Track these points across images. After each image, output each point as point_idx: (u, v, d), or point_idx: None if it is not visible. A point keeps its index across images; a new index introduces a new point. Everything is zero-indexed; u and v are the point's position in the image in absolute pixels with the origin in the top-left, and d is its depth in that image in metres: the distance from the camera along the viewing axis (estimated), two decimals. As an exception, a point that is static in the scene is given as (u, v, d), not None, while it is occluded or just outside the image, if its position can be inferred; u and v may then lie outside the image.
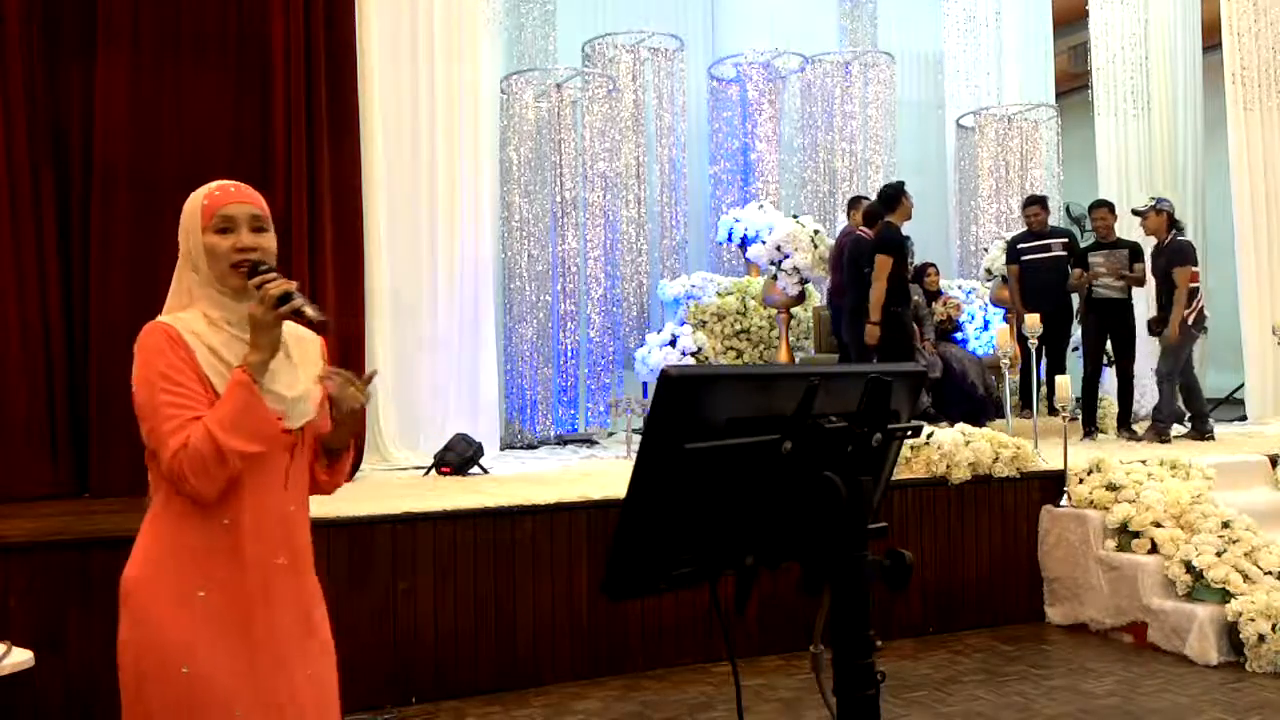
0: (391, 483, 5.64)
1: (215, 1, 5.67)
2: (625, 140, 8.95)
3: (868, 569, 1.32)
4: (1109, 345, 7.51)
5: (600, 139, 8.59)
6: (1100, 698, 4.33)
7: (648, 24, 9.45)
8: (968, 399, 7.25)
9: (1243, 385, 9.27)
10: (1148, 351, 8.01)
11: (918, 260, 7.98)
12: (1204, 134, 9.94)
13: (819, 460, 1.30)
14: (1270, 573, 4.90)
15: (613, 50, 9.10)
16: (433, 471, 5.98)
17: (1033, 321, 6.64)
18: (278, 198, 5.63)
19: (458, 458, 5.93)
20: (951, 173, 10.62)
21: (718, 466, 1.23)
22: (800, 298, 8.26)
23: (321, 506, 4.32)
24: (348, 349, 5.83)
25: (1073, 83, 11.75)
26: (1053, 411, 6.23)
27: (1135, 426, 7.41)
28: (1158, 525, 5.21)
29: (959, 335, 8.29)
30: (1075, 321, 7.84)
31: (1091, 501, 5.47)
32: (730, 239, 8.73)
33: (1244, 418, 9.11)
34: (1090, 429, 7.45)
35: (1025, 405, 7.59)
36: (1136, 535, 5.23)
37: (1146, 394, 8.18)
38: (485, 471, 6.02)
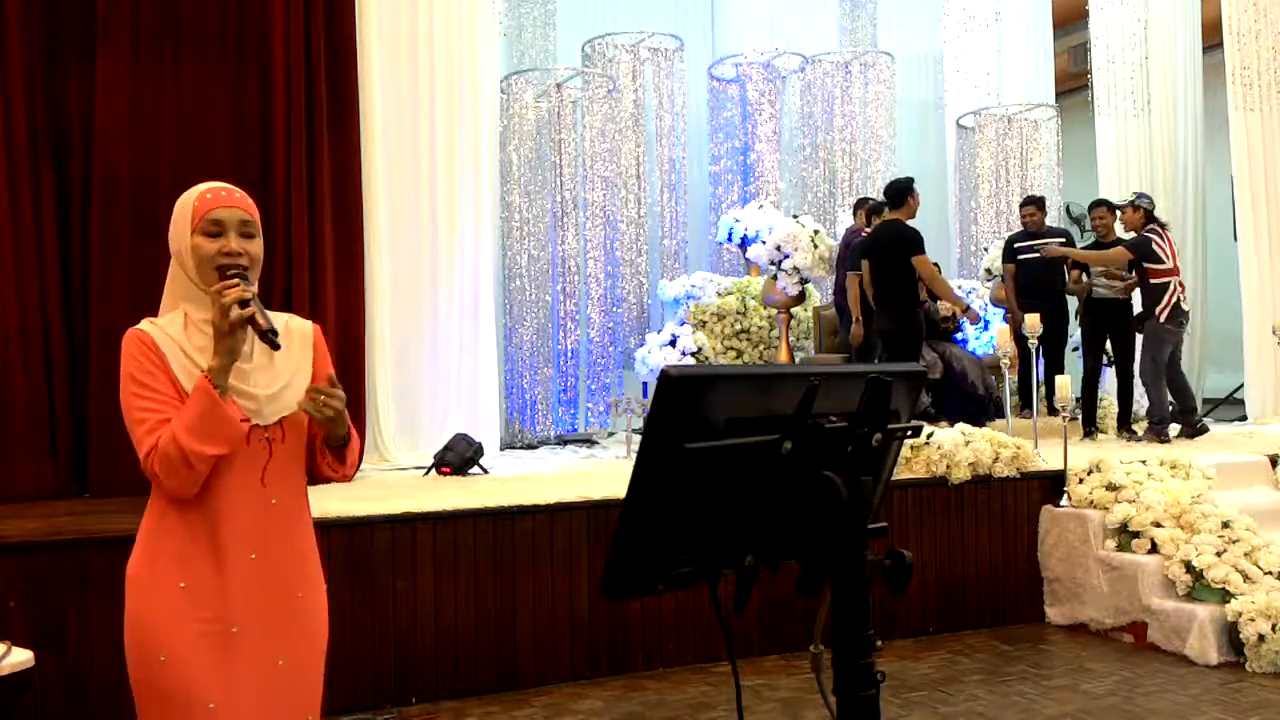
0: (391, 483, 5.64)
1: (215, 2, 5.67)
2: (625, 140, 8.95)
3: (868, 569, 1.32)
4: (1108, 345, 7.51)
5: (600, 139, 8.59)
6: (1100, 698, 4.33)
7: (648, 24, 9.45)
8: (968, 399, 7.25)
9: (1243, 385, 9.27)
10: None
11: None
12: (1204, 134, 9.93)
13: (819, 460, 1.30)
14: (1270, 573, 4.90)
15: (613, 50, 9.10)
16: (433, 471, 5.98)
17: (1032, 322, 6.65)
18: (278, 197, 5.64)
19: (458, 458, 5.93)
20: (951, 173, 10.62)
21: (718, 466, 1.23)
22: (800, 298, 8.26)
23: (322, 506, 4.33)
24: (348, 349, 5.83)
25: (1073, 83, 11.74)
26: (1053, 411, 6.24)
27: (1135, 426, 7.41)
28: (1158, 525, 5.21)
29: (959, 335, 8.29)
30: (1074, 322, 7.84)
31: (1091, 501, 5.47)
32: (730, 239, 8.73)
33: (1244, 418, 9.11)
34: (1090, 429, 7.45)
35: (1025, 405, 7.59)
36: (1136, 535, 5.23)
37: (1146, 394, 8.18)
38: (485, 471, 6.02)
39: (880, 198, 7.51)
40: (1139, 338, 7.44)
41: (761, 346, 8.59)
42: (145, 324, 1.96)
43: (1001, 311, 8.57)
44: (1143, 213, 7.22)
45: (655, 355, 7.95)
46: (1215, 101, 9.79)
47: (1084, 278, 7.59)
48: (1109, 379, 8.03)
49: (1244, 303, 9.08)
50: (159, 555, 1.93)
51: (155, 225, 4.89)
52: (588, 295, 8.53)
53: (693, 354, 7.91)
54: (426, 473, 6.01)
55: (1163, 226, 7.26)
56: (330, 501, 4.43)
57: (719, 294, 8.54)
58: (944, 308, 8.04)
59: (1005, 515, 5.61)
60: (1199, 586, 4.90)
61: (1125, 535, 5.28)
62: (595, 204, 8.57)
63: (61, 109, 5.44)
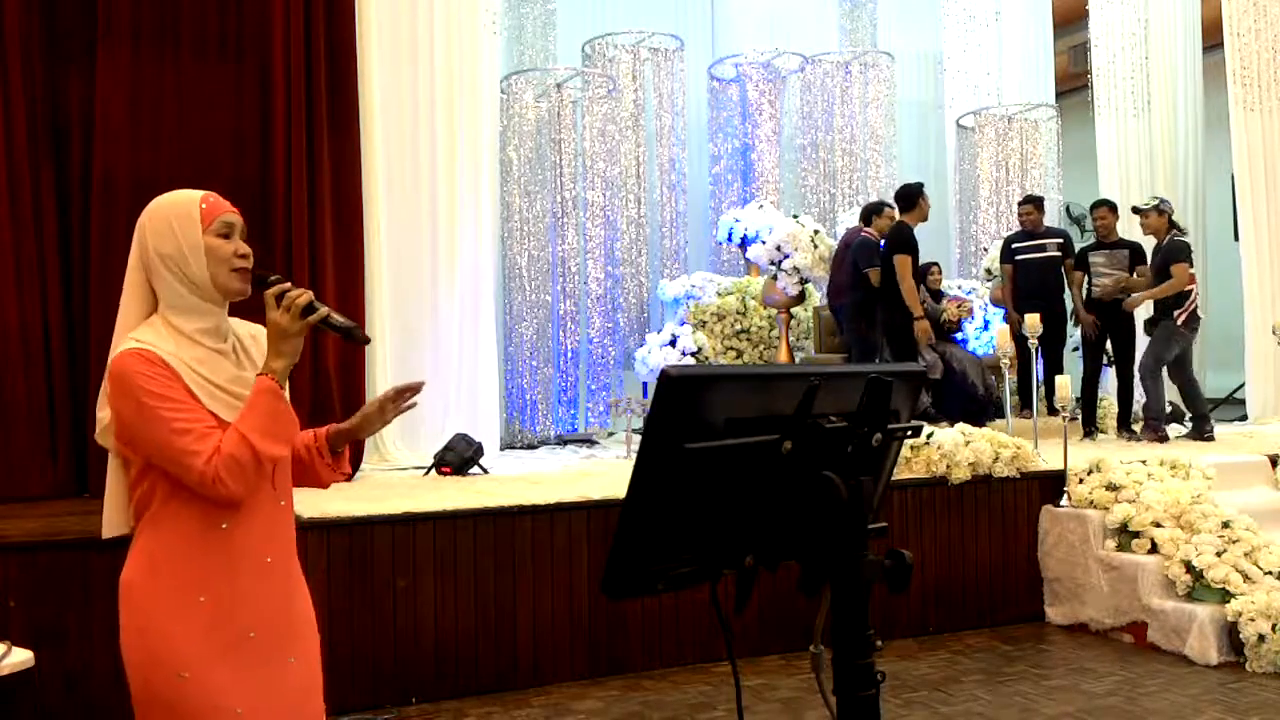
0: (391, 483, 5.64)
1: (215, 2, 5.67)
2: (625, 140, 8.94)
3: (868, 569, 1.32)
4: (1109, 345, 7.51)
5: (600, 139, 8.58)
6: (1100, 698, 4.33)
7: (648, 24, 9.45)
8: (968, 399, 7.25)
9: (1243, 385, 9.27)
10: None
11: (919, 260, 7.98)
12: (1204, 134, 9.93)
13: (819, 460, 1.30)
14: (1270, 573, 4.90)
15: (613, 50, 9.10)
16: (433, 471, 5.98)
17: (1032, 322, 6.65)
18: (278, 198, 5.64)
19: (458, 458, 5.93)
20: (951, 172, 10.61)
21: (717, 466, 1.23)
22: (800, 298, 8.26)
23: (321, 506, 4.34)
24: (347, 349, 5.83)
25: (1073, 83, 11.74)
26: (1053, 411, 6.24)
27: (1135, 426, 7.41)
28: (1158, 525, 5.21)
29: (959, 335, 8.29)
30: (1071, 322, 7.84)
31: (1091, 501, 5.47)
32: (730, 239, 8.73)
33: (1244, 418, 9.11)
34: (1090, 429, 7.45)
35: (1025, 405, 7.59)
36: (1136, 535, 5.23)
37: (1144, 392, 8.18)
38: (485, 471, 6.02)
39: (878, 199, 7.54)
40: (1140, 336, 7.44)
41: (761, 346, 8.59)
42: (134, 343, 1.88)
43: (1001, 311, 8.57)
44: (1167, 218, 7.21)
45: (655, 355, 7.95)
46: (1215, 101, 9.79)
47: (1085, 281, 7.60)
48: (1109, 379, 8.03)
49: (1244, 303, 9.08)
50: (171, 567, 1.88)
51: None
52: (588, 295, 8.53)
53: (693, 354, 7.91)
54: (426, 473, 6.01)
55: (1183, 231, 7.26)
56: (330, 501, 4.43)
57: (719, 294, 8.54)
58: (949, 309, 8.05)
59: (1005, 515, 5.61)
60: (1199, 586, 4.90)
61: (1125, 535, 5.28)
62: (595, 204, 8.56)
63: (61, 108, 5.43)
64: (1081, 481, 5.57)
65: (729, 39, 10.04)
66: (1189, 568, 4.95)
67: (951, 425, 6.05)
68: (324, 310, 1.91)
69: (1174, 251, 7.02)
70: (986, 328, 8.89)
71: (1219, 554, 4.94)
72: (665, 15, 10.02)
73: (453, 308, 6.83)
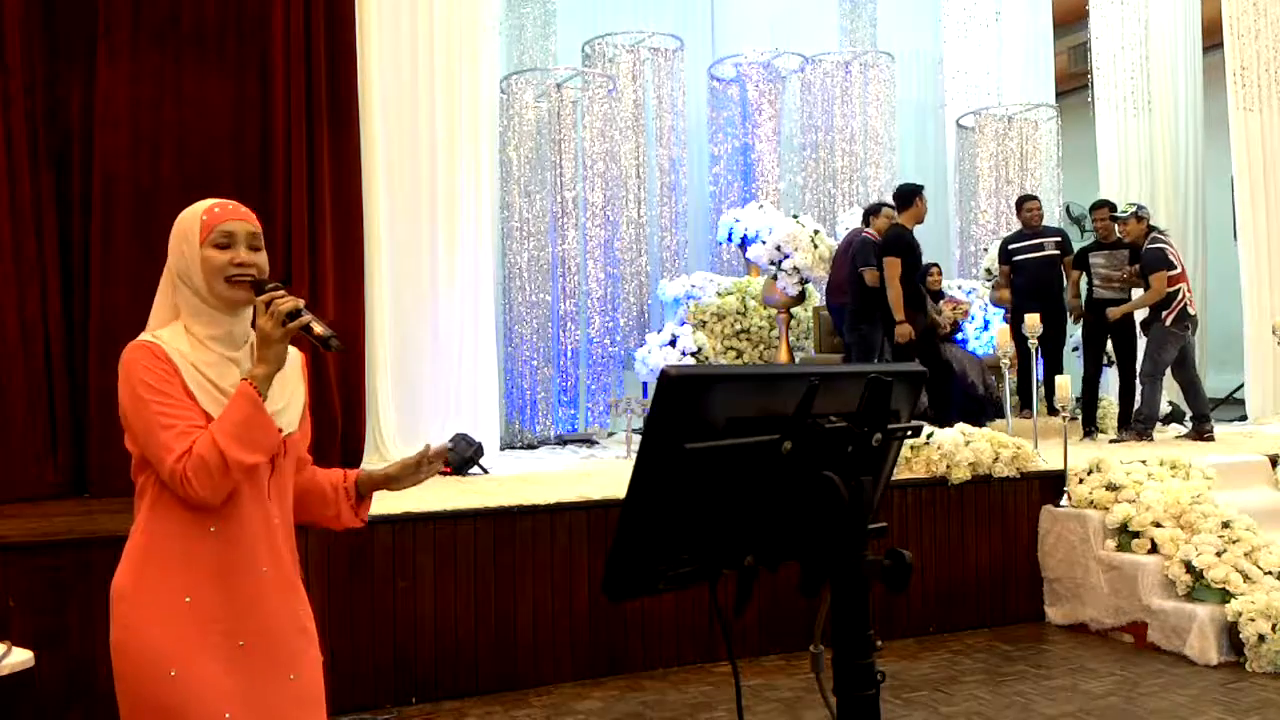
0: (391, 483, 5.63)
1: (215, 2, 5.67)
2: (625, 140, 8.94)
3: (868, 569, 1.32)
4: (1109, 346, 7.52)
5: (600, 139, 8.58)
6: (1100, 698, 4.33)
7: (648, 24, 9.45)
8: (968, 399, 7.25)
9: (1243, 385, 9.27)
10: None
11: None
12: (1204, 134, 9.94)
13: (819, 460, 1.30)
14: (1270, 573, 4.90)
15: (613, 50, 9.10)
16: (433, 471, 5.97)
17: (1032, 322, 6.66)
18: (278, 198, 5.64)
19: (458, 458, 5.93)
20: (951, 173, 10.62)
21: (718, 466, 1.23)
22: (800, 298, 8.26)
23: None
24: (347, 349, 5.83)
25: (1073, 83, 11.74)
26: (1053, 411, 6.24)
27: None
28: (1158, 525, 5.21)
29: (959, 335, 8.29)
30: (1071, 320, 7.84)
31: (1091, 501, 5.47)
32: (730, 239, 8.73)
33: (1244, 418, 9.11)
34: (1090, 429, 7.45)
35: (1025, 405, 7.59)
36: (1136, 535, 5.23)
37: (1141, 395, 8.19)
38: (485, 471, 6.02)
39: (880, 199, 7.53)
40: (1139, 337, 7.44)
41: (761, 346, 8.59)
42: (148, 337, 1.92)
43: (1001, 311, 8.58)
44: (1145, 224, 7.27)
45: (655, 355, 7.95)
46: (1215, 101, 9.79)
47: (1082, 282, 7.60)
48: (1109, 379, 8.03)
49: (1244, 302, 9.08)
50: (158, 569, 1.88)
51: (155, 225, 4.90)
52: (588, 295, 8.53)
53: (693, 354, 7.91)
54: (426, 473, 6.00)
55: (1163, 233, 7.29)
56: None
57: (719, 294, 8.54)
58: (944, 310, 8.05)
59: (1005, 515, 5.61)
60: (1199, 586, 4.90)
61: (1125, 535, 5.28)
62: (595, 204, 8.56)
63: (61, 109, 5.43)
64: (1081, 481, 5.58)
65: (729, 39, 10.05)
66: (1189, 568, 4.95)
67: (951, 425, 6.04)
68: (307, 318, 1.90)
69: (1153, 262, 7.07)
70: (986, 328, 8.89)
71: (1219, 554, 4.94)
72: (665, 15, 10.02)
73: (453, 307, 6.82)
